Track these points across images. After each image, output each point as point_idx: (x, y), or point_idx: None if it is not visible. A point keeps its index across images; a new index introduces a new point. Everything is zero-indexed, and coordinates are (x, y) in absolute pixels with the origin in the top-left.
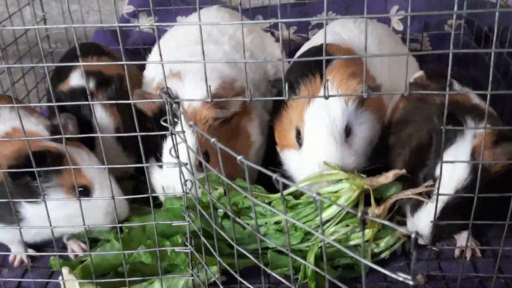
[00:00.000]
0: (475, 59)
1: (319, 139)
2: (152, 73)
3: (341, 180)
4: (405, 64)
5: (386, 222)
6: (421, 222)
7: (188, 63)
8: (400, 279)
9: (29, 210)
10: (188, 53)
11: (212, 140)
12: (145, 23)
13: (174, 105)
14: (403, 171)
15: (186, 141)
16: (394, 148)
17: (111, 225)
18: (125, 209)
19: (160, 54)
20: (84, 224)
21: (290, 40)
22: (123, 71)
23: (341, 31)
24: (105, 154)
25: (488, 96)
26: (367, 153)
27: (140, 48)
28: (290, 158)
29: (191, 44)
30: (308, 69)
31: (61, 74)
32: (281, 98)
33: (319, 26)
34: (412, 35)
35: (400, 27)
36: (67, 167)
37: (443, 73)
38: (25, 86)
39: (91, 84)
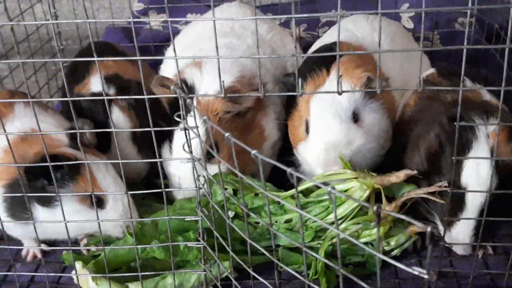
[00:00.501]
0: (485, 57)
1: (323, 121)
2: (170, 67)
3: (351, 179)
4: (417, 61)
5: (402, 216)
6: (461, 234)
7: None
8: (416, 273)
9: (41, 211)
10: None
11: (226, 134)
12: (156, 20)
13: (188, 100)
14: (415, 171)
15: (199, 136)
16: (405, 148)
17: (126, 219)
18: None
19: (174, 50)
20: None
21: (300, 37)
22: (138, 73)
23: (353, 28)
24: (120, 155)
25: (502, 92)
26: (375, 144)
27: (151, 45)
28: (301, 151)
29: (210, 39)
30: (315, 65)
31: (77, 74)
32: (294, 93)
33: (329, 24)
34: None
35: (410, 25)
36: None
37: (455, 70)
38: (37, 83)
39: (111, 91)
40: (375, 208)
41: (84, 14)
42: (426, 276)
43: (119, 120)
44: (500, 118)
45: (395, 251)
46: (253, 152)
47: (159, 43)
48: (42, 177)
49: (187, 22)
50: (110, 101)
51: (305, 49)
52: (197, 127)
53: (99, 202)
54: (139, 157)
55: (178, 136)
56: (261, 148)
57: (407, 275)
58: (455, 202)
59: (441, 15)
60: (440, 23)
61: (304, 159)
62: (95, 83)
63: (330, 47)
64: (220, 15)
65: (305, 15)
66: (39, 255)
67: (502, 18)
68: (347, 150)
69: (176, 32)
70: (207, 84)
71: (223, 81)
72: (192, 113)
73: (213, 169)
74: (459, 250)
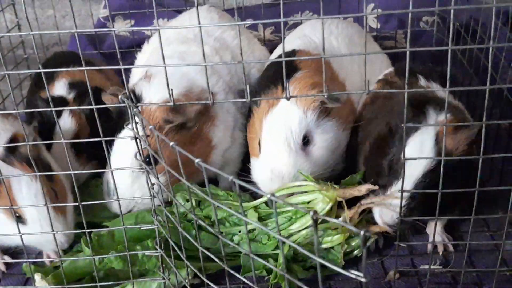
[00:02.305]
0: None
1: (273, 145)
2: (135, 76)
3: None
4: (376, 61)
5: (341, 222)
6: (386, 216)
7: (153, 66)
8: (353, 276)
9: None
10: (168, 55)
11: (171, 143)
12: (121, 27)
13: (135, 110)
14: (376, 186)
15: (149, 145)
16: (360, 144)
17: (80, 231)
18: (64, 242)
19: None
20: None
21: (268, 40)
22: (103, 81)
23: (311, 33)
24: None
25: (487, 91)
26: (329, 161)
27: (116, 52)
28: (253, 166)
29: (172, 44)
30: (270, 80)
31: (41, 82)
32: (243, 100)
33: (296, 25)
34: (387, 32)
35: (376, 25)
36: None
37: (411, 69)
38: (0, 93)
39: (71, 95)
40: (311, 213)
41: (49, 22)
42: (363, 280)
43: (66, 123)
44: (453, 114)
45: (355, 251)
46: (197, 161)
47: (126, 49)
48: None
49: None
50: (64, 105)
51: (272, 50)
52: (147, 136)
53: (19, 218)
54: (77, 160)
55: (117, 144)
56: (209, 157)
57: (370, 275)
58: (393, 172)
59: (407, 14)
60: (406, 22)
61: (253, 175)
62: (58, 88)
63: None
64: (188, 20)
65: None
66: (1, 267)
67: (463, 17)
68: (293, 179)
69: (143, 38)
70: (152, 94)
71: (172, 89)
72: (135, 122)
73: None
74: (386, 216)
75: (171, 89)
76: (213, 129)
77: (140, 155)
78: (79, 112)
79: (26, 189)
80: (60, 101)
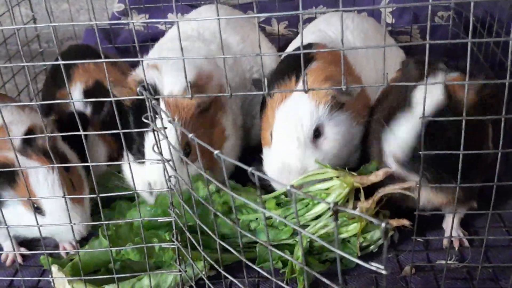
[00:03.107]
0: (465, 50)
1: (282, 138)
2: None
3: (332, 178)
4: (392, 56)
5: (360, 214)
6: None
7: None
8: (373, 268)
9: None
10: (171, 47)
11: (190, 135)
12: (136, 21)
13: (153, 102)
14: (392, 169)
15: (167, 137)
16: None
17: (98, 223)
18: (83, 231)
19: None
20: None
21: (281, 35)
22: (118, 75)
23: (326, 28)
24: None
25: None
26: (341, 154)
27: (130, 46)
28: (265, 155)
29: (176, 40)
30: (285, 71)
31: (58, 79)
32: (261, 93)
33: (310, 20)
34: (402, 27)
35: (391, 20)
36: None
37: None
38: (16, 87)
39: (88, 110)
40: (331, 205)
41: (64, 16)
42: (383, 272)
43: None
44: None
45: (372, 246)
46: (216, 152)
47: (140, 43)
48: None
49: (166, 23)
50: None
51: (286, 45)
52: (165, 128)
53: (38, 209)
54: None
55: (149, 139)
56: (223, 146)
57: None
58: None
59: (421, 9)
60: (421, 17)
61: (264, 164)
62: (75, 94)
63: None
64: (196, 17)
65: (285, 13)
66: (18, 259)
67: (478, 11)
68: (302, 173)
69: (157, 33)
70: (170, 85)
71: (189, 81)
72: (158, 114)
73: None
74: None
75: (189, 82)
76: (225, 117)
77: (158, 148)
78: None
79: (44, 180)
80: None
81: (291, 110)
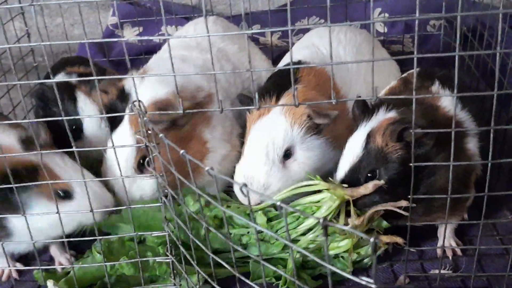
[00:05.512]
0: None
1: (252, 152)
2: None
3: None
4: (384, 69)
5: (350, 229)
6: None
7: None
8: (363, 282)
9: (16, 223)
10: (162, 56)
11: (181, 152)
12: (129, 34)
13: (145, 118)
14: (382, 182)
15: (159, 153)
16: None
17: (91, 238)
18: (111, 203)
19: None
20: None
21: (275, 45)
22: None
23: (319, 43)
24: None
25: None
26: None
27: (124, 59)
28: (236, 168)
29: (175, 50)
30: (269, 89)
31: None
32: (252, 107)
33: (303, 31)
34: (394, 36)
35: (383, 30)
36: None
37: (432, 73)
38: (11, 101)
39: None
40: (321, 220)
41: (58, 30)
42: (373, 286)
43: (86, 104)
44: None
45: (365, 259)
46: (207, 168)
47: (134, 56)
48: (4, 189)
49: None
50: (73, 89)
51: (279, 56)
52: (157, 143)
53: (67, 194)
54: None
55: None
56: (204, 160)
57: (379, 280)
58: None
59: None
60: (413, 26)
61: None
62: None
63: (288, 70)
64: (193, 30)
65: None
66: (14, 275)
67: (470, 21)
68: (263, 190)
69: (152, 45)
70: (141, 93)
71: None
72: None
73: (144, 183)
74: None
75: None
76: (208, 130)
77: (151, 163)
78: (90, 91)
79: (71, 162)
80: (66, 85)
81: (266, 127)
